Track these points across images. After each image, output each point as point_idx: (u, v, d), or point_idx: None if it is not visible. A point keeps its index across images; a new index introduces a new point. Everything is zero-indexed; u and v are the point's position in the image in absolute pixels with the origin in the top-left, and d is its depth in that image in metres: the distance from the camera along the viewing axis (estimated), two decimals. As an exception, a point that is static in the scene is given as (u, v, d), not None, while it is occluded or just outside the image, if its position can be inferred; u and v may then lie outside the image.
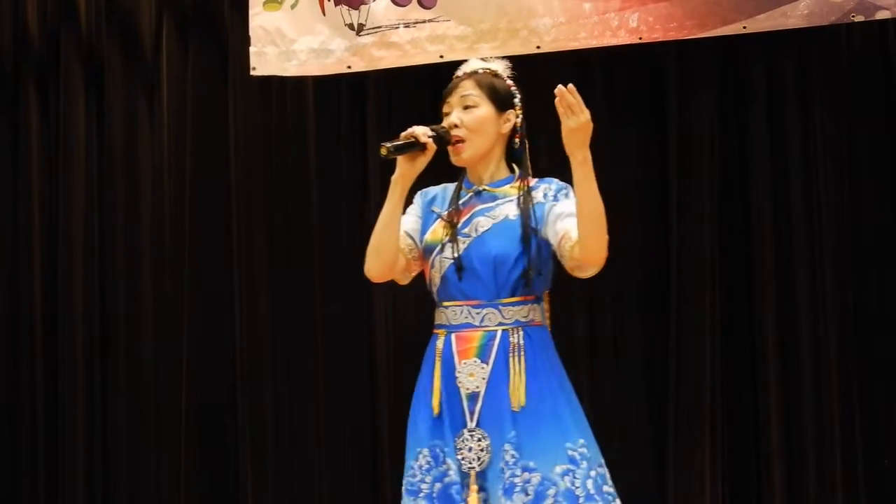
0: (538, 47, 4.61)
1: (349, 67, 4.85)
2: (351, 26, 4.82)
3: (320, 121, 5.14)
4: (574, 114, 2.99)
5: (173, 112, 5.28)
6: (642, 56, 4.81)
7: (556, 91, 2.97)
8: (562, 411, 3.14)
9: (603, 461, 3.14)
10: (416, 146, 3.12)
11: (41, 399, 5.32)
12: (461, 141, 3.19)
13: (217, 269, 5.22)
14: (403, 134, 3.12)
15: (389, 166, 4.92)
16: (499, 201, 3.21)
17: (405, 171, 3.15)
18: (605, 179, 4.83)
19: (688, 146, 4.83)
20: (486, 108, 3.21)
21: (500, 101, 3.23)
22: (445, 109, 3.24)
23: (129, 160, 5.33)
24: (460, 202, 3.23)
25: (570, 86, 2.98)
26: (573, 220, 3.10)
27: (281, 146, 5.19)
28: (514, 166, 3.26)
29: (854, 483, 4.68)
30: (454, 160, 3.22)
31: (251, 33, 4.90)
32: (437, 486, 3.13)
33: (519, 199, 3.19)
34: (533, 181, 3.23)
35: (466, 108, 3.20)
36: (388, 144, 3.10)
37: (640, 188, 4.92)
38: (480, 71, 3.26)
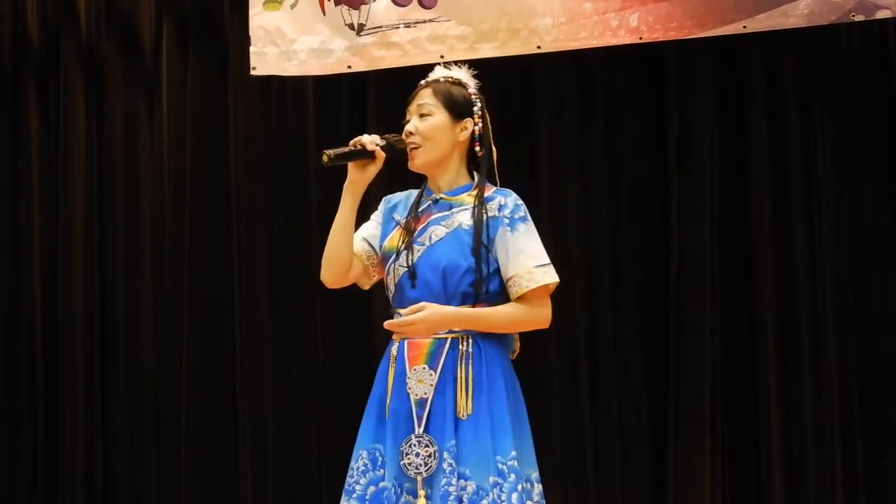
0: (538, 47, 4.61)
1: (349, 67, 4.85)
2: (351, 26, 4.82)
3: (320, 121, 5.14)
4: (413, 328, 3.13)
5: (173, 113, 5.28)
6: (642, 56, 4.80)
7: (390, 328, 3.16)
8: (501, 422, 3.16)
9: (535, 473, 3.17)
10: (363, 154, 3.16)
11: (41, 399, 5.31)
12: (417, 148, 3.23)
13: (217, 270, 5.21)
14: (352, 142, 3.16)
15: (392, 167, 5.00)
16: (454, 210, 3.25)
17: (355, 178, 3.20)
18: (606, 179, 4.91)
19: (688, 146, 4.82)
20: (440, 117, 3.24)
21: (457, 109, 3.26)
22: (407, 118, 3.28)
23: (129, 161, 5.33)
24: (419, 210, 3.27)
25: (386, 323, 3.16)
26: (523, 262, 3.19)
27: (281, 146, 5.19)
28: (475, 173, 3.28)
29: (854, 483, 4.68)
30: (409, 166, 3.26)
31: (251, 33, 4.90)
32: (371, 489, 3.19)
33: (472, 209, 3.22)
34: (490, 190, 3.26)
35: (422, 116, 3.25)
36: (331, 152, 3.14)
37: (640, 188, 4.92)
38: (441, 80, 3.31)
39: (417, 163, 3.25)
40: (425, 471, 3.12)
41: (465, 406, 3.14)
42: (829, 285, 4.72)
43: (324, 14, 4.84)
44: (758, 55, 4.77)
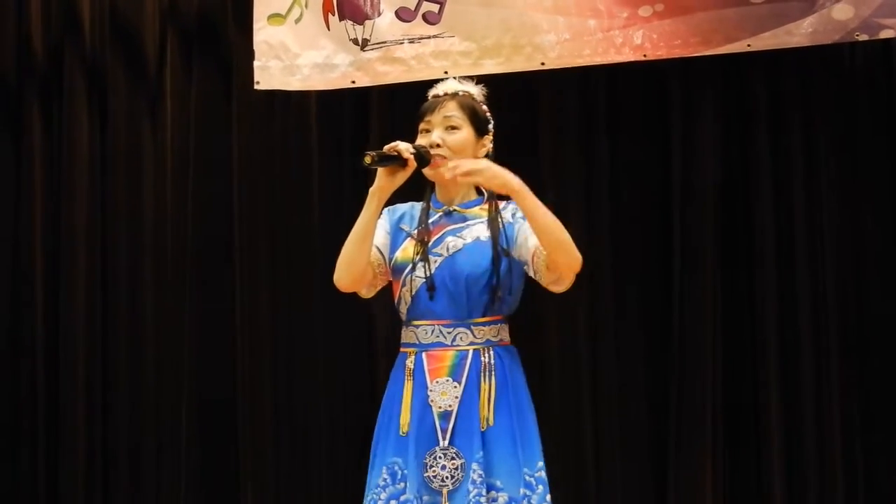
0: (542, 63, 4.60)
1: (353, 82, 4.84)
2: (355, 41, 4.81)
3: (323, 135, 5.14)
4: (473, 174, 3.11)
5: (177, 126, 5.28)
6: (646, 73, 4.79)
7: (447, 174, 3.13)
8: (525, 433, 3.18)
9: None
10: (398, 160, 3.15)
11: (42, 400, 5.30)
12: (443, 158, 3.23)
13: (219, 282, 5.22)
14: (387, 146, 3.15)
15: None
16: (469, 222, 3.27)
17: (384, 183, 3.18)
18: (609, 195, 4.90)
19: (691, 162, 4.82)
20: (467, 131, 3.26)
21: (480, 125, 3.29)
22: (424, 127, 3.28)
23: (133, 174, 5.32)
24: (430, 221, 3.28)
25: (450, 165, 3.13)
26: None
27: (284, 160, 5.18)
28: (482, 189, 3.29)
29: (854, 485, 4.69)
30: (430, 177, 3.27)
31: (255, 47, 4.88)
32: (392, 503, 3.17)
33: (489, 220, 3.24)
34: (501, 203, 3.28)
35: (448, 128, 3.25)
36: (373, 153, 3.13)
37: (643, 204, 4.91)
38: (461, 93, 3.32)
39: (443, 174, 3.25)
40: (451, 483, 3.13)
41: (487, 417, 3.15)
42: (830, 300, 4.72)
43: (328, 29, 4.83)
44: (762, 73, 4.76)
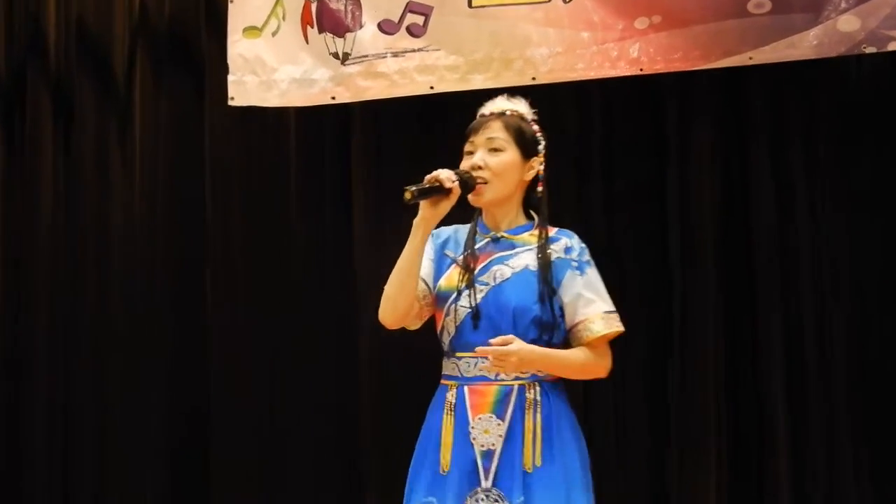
0: (534, 78, 4.50)
1: (333, 98, 4.75)
2: (336, 55, 4.72)
3: (303, 151, 5.07)
4: (507, 360, 3.07)
5: (146, 145, 5.22)
6: (643, 86, 4.69)
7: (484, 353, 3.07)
8: (573, 474, 3.11)
9: None
10: (440, 190, 3.10)
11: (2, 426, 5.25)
12: (484, 183, 3.17)
13: (193, 301, 5.15)
14: (428, 177, 3.10)
15: (374, 196, 4.88)
16: (517, 249, 3.21)
17: (428, 214, 3.12)
18: (603, 209, 4.75)
19: (689, 180, 4.73)
20: (511, 153, 3.21)
21: (527, 147, 3.23)
22: (468, 148, 3.23)
23: (100, 195, 5.27)
24: (476, 247, 3.21)
25: (480, 349, 3.08)
26: (594, 307, 3.17)
27: (261, 177, 5.12)
28: (533, 213, 3.26)
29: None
30: (473, 201, 3.21)
31: (230, 62, 4.82)
32: None
33: (539, 248, 3.18)
34: (552, 231, 3.23)
35: (492, 150, 3.19)
36: (413, 189, 3.08)
37: (640, 221, 4.82)
38: (508, 112, 3.26)
39: (485, 199, 3.20)
40: None
41: (532, 458, 3.07)
42: (835, 314, 4.62)
43: (307, 42, 4.75)
44: (762, 86, 4.65)
